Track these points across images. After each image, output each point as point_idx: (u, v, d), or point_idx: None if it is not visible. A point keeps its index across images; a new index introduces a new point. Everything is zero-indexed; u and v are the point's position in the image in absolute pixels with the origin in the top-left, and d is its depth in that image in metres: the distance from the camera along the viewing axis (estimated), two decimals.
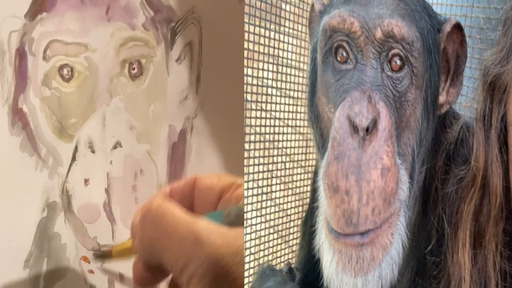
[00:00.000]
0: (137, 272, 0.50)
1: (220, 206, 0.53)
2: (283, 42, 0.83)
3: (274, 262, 0.84)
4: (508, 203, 0.53)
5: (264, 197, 0.83)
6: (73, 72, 0.57)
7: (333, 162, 0.53)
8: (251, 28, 0.76)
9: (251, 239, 0.81)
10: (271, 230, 0.84)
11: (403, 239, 0.55)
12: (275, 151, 0.84)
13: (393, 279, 0.55)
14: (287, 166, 0.86)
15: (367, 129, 0.53)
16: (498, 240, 0.54)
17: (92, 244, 0.59)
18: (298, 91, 0.85)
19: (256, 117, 0.79)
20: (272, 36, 0.80)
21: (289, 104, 0.84)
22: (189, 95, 0.66)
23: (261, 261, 0.82)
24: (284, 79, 0.83)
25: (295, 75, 0.84)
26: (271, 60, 0.80)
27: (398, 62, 0.56)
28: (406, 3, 0.58)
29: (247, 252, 0.79)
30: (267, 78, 0.81)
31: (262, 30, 0.78)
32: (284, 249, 0.86)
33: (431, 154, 0.60)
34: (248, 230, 0.80)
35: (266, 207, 0.84)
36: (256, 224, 0.82)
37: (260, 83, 0.79)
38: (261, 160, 0.82)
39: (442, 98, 0.60)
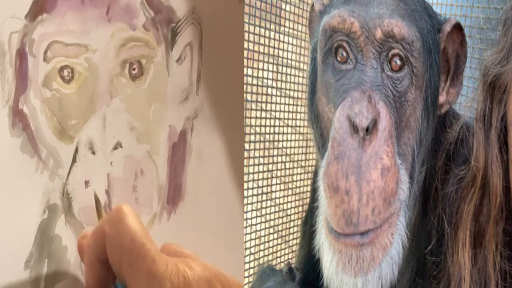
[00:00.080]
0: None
1: None
2: (283, 42, 0.83)
3: (274, 262, 0.84)
4: (508, 203, 0.54)
5: (264, 197, 0.83)
6: (74, 73, 0.57)
7: (333, 162, 0.53)
8: (251, 28, 0.76)
9: (251, 239, 0.81)
10: (271, 230, 0.84)
11: (403, 239, 0.55)
12: (275, 151, 0.84)
13: (393, 279, 0.55)
14: (287, 166, 0.87)
15: (367, 129, 0.53)
16: (498, 240, 0.54)
17: None
18: (298, 91, 0.85)
19: (256, 117, 0.79)
20: (272, 36, 0.80)
21: (289, 104, 0.85)
22: (190, 95, 0.66)
23: (261, 261, 0.82)
24: (284, 79, 0.84)
25: (295, 75, 0.85)
26: (271, 60, 0.80)
27: (398, 62, 0.56)
28: (406, 3, 0.58)
29: (247, 252, 0.79)
30: (267, 78, 0.81)
31: (262, 30, 0.78)
32: (284, 249, 0.86)
33: (431, 154, 0.60)
34: (248, 230, 0.80)
35: (266, 207, 0.84)
36: (256, 224, 0.82)
37: (260, 83, 0.79)
38: (261, 160, 0.82)
39: (442, 98, 0.60)
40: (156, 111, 0.63)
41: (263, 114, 0.81)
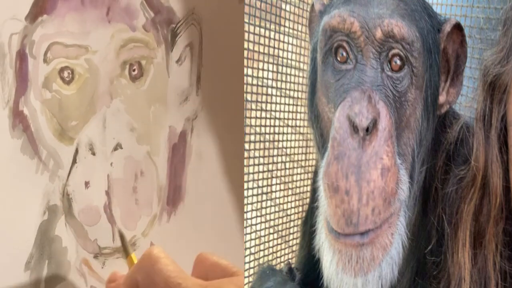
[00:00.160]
0: None
1: None
2: (283, 42, 0.83)
3: (274, 262, 0.84)
4: (508, 203, 0.54)
5: (264, 197, 0.83)
6: (74, 74, 0.57)
7: (333, 162, 0.54)
8: (251, 28, 0.76)
9: (251, 239, 0.81)
10: (271, 230, 0.84)
11: (403, 239, 0.55)
12: (275, 151, 0.84)
13: (393, 279, 0.55)
14: (287, 166, 0.87)
15: (367, 129, 0.53)
16: (498, 240, 0.54)
17: (92, 247, 0.60)
18: (298, 91, 0.85)
19: (256, 117, 0.79)
20: (272, 36, 0.80)
21: (289, 104, 0.85)
22: (190, 96, 0.66)
23: (261, 261, 0.82)
24: (284, 79, 0.83)
25: (295, 75, 0.85)
26: (271, 60, 0.80)
27: (398, 62, 0.56)
28: (406, 3, 0.58)
29: (247, 252, 0.79)
30: (267, 78, 0.81)
31: (262, 30, 0.78)
32: (284, 249, 0.86)
33: (431, 154, 0.60)
34: (248, 230, 0.80)
35: (266, 207, 0.84)
36: (256, 224, 0.82)
37: (260, 83, 0.79)
38: (261, 160, 0.82)
39: (442, 98, 0.60)
40: (156, 112, 0.63)
41: (263, 114, 0.81)
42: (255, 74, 0.79)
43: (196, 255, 0.52)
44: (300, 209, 0.87)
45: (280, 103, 0.84)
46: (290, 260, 0.83)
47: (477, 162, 0.54)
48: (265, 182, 0.83)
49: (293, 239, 0.86)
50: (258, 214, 0.82)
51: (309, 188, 0.81)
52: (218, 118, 0.68)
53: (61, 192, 0.57)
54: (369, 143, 0.53)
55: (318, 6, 0.62)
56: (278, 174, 0.85)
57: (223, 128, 0.68)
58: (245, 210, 0.75)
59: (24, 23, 0.54)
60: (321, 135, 0.60)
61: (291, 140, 0.87)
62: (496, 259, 0.54)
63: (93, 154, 0.59)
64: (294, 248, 0.85)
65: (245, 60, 0.75)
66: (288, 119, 0.85)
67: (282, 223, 0.86)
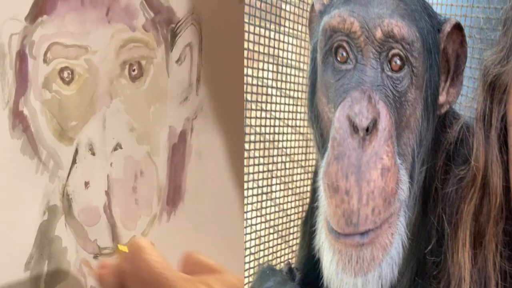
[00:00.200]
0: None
1: None
2: (283, 42, 0.83)
3: (274, 262, 0.84)
4: (508, 203, 0.54)
5: (264, 197, 0.83)
6: (74, 74, 0.57)
7: (333, 162, 0.54)
8: (251, 28, 0.76)
9: (251, 239, 0.81)
10: (271, 230, 0.84)
11: (403, 239, 0.55)
12: (275, 151, 0.84)
13: (393, 279, 0.55)
14: (287, 166, 0.87)
15: (367, 129, 0.53)
16: (498, 240, 0.54)
17: (92, 247, 0.60)
18: (298, 91, 0.85)
19: (256, 117, 0.79)
20: (272, 36, 0.80)
21: (289, 104, 0.85)
22: (189, 96, 0.66)
23: (261, 261, 0.82)
24: (284, 79, 0.84)
25: (295, 75, 0.85)
26: (271, 60, 0.80)
27: (398, 62, 0.56)
28: (406, 3, 0.58)
29: (247, 252, 0.79)
30: (267, 78, 0.81)
31: (262, 30, 0.78)
32: (284, 249, 0.86)
33: (431, 154, 0.60)
34: (248, 230, 0.80)
35: (266, 207, 0.84)
36: (256, 224, 0.82)
37: (260, 83, 0.79)
38: (261, 160, 0.82)
39: (442, 98, 0.60)
40: (156, 112, 0.63)
41: (263, 114, 0.81)
42: (255, 74, 0.79)
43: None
44: (300, 209, 0.87)
45: (280, 103, 0.84)
46: (290, 260, 0.83)
47: (477, 162, 0.54)
48: (265, 182, 0.83)
49: (293, 239, 0.86)
50: (258, 214, 0.82)
51: (309, 188, 0.81)
52: (218, 118, 0.67)
53: (61, 192, 0.57)
54: (369, 143, 0.53)
55: (318, 6, 0.62)
56: (278, 174, 0.85)
57: (223, 128, 0.68)
58: (245, 210, 0.75)
59: (24, 24, 0.54)
60: (321, 135, 0.60)
61: (291, 140, 0.87)
62: (496, 259, 0.54)
63: (93, 154, 0.59)
64: (294, 248, 0.85)
65: (245, 60, 0.75)
66: (288, 119, 0.85)
67: (282, 223, 0.86)
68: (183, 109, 0.65)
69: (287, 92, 0.84)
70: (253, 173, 0.81)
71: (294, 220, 0.87)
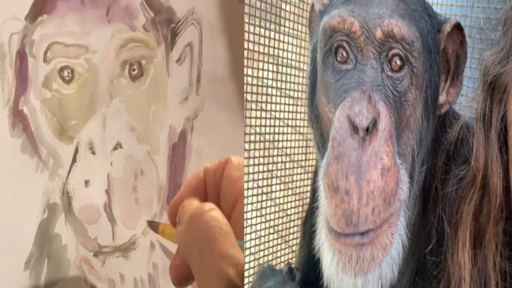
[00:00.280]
0: (176, 268, 0.50)
1: (234, 217, 0.53)
2: (283, 42, 0.82)
3: (274, 262, 0.84)
4: (508, 203, 0.53)
5: (264, 197, 0.83)
6: (74, 73, 0.58)
7: (333, 162, 0.53)
8: (251, 28, 0.76)
9: (251, 239, 0.81)
10: (271, 230, 0.84)
11: (403, 239, 0.55)
12: (275, 151, 0.84)
13: (393, 279, 0.55)
14: (287, 166, 0.86)
15: (367, 129, 0.53)
16: (498, 240, 0.54)
17: (92, 245, 0.60)
18: (298, 91, 0.85)
19: (256, 117, 0.79)
20: (272, 36, 0.79)
21: (289, 104, 0.84)
22: (190, 95, 0.66)
23: (261, 261, 0.82)
24: (284, 79, 0.83)
25: (295, 75, 0.84)
26: (271, 60, 0.80)
27: (398, 62, 0.56)
28: (406, 3, 0.57)
29: (247, 252, 0.79)
30: (267, 78, 0.81)
31: (262, 30, 0.78)
32: (284, 249, 0.86)
33: (431, 154, 0.60)
34: (248, 230, 0.80)
35: (266, 207, 0.84)
36: (256, 224, 0.82)
37: (260, 83, 0.79)
38: (261, 160, 0.82)
39: (442, 98, 0.60)
40: (156, 112, 0.63)
41: (263, 114, 0.81)
42: (255, 74, 0.79)
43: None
44: (300, 209, 0.87)
45: (280, 103, 0.84)
46: (290, 260, 0.83)
47: (477, 162, 0.54)
48: (265, 182, 0.83)
49: (293, 239, 0.86)
50: (258, 214, 0.82)
51: (309, 188, 0.81)
52: (218, 118, 0.68)
53: (61, 190, 0.57)
54: (369, 143, 0.53)
55: (318, 6, 0.62)
56: (278, 174, 0.85)
57: (223, 128, 0.68)
58: (245, 210, 0.75)
59: (24, 23, 0.54)
60: (321, 135, 0.60)
61: (291, 140, 0.86)
62: (496, 259, 0.54)
63: (93, 153, 0.59)
64: (294, 248, 0.85)
65: (245, 60, 0.74)
66: (288, 119, 0.85)
67: (282, 223, 0.86)
68: (183, 109, 0.65)
69: (287, 92, 0.84)
70: (253, 173, 0.81)
71: (294, 220, 0.87)
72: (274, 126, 0.83)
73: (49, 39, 0.56)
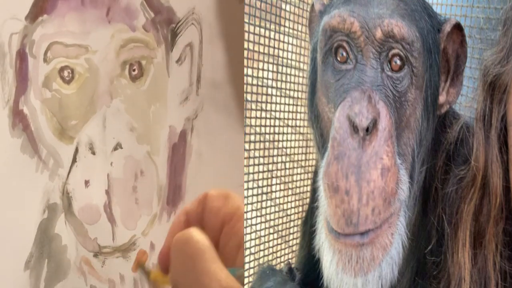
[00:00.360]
0: None
1: (222, 239, 0.54)
2: (283, 42, 0.82)
3: (274, 262, 0.84)
4: (508, 203, 0.53)
5: (264, 197, 0.83)
6: (74, 73, 0.58)
7: (333, 162, 0.53)
8: (251, 28, 0.76)
9: (251, 239, 0.81)
10: (271, 230, 0.84)
11: (403, 239, 0.55)
12: (275, 151, 0.84)
13: (393, 279, 0.55)
14: (287, 166, 0.86)
15: (367, 129, 0.53)
16: (498, 240, 0.54)
17: (92, 245, 0.60)
18: (298, 91, 0.85)
19: (256, 117, 0.79)
20: (272, 36, 0.79)
21: (289, 104, 0.84)
22: (190, 96, 0.66)
23: (261, 261, 0.82)
24: (284, 79, 0.83)
25: (295, 75, 0.84)
26: (271, 60, 0.80)
27: (398, 62, 0.56)
28: (406, 3, 0.58)
29: (247, 252, 0.79)
30: (267, 78, 0.81)
31: (262, 30, 0.78)
32: (284, 249, 0.86)
33: (431, 154, 0.60)
34: (248, 230, 0.80)
35: (266, 207, 0.84)
36: (256, 224, 0.82)
37: (260, 83, 0.79)
38: (261, 160, 0.82)
39: (442, 98, 0.60)
40: (156, 112, 0.63)
41: (263, 114, 0.81)
42: (255, 74, 0.79)
43: None
44: (300, 209, 0.87)
45: (280, 103, 0.84)
46: (290, 260, 0.83)
47: (477, 162, 0.54)
48: (265, 182, 0.83)
49: (293, 239, 0.86)
50: (258, 214, 0.82)
51: (309, 188, 0.81)
52: (218, 118, 0.68)
53: (61, 190, 0.57)
54: (369, 143, 0.53)
55: (318, 6, 0.62)
56: (278, 174, 0.85)
57: (223, 127, 0.68)
58: (245, 210, 0.75)
59: (24, 23, 0.54)
60: (321, 135, 0.60)
61: (291, 140, 0.86)
62: (496, 259, 0.54)
63: (93, 153, 0.59)
64: (294, 248, 0.85)
65: (245, 60, 0.74)
66: (288, 119, 0.85)
67: (282, 223, 0.86)
68: (183, 109, 0.65)
69: (287, 92, 0.84)
70: (253, 173, 0.81)
71: (294, 220, 0.87)
72: (274, 126, 0.83)
73: (49, 39, 0.56)
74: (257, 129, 0.80)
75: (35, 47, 0.55)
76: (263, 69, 0.80)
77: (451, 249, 0.55)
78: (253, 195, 0.81)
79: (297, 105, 0.85)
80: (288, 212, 0.87)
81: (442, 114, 0.61)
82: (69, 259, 0.58)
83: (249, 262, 0.79)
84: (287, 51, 0.83)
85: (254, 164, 0.81)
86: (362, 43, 0.56)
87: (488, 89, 0.54)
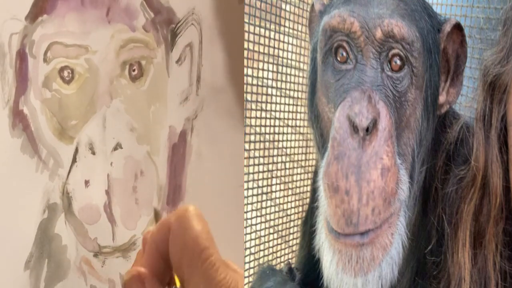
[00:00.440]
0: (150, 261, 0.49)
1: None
2: (283, 42, 0.83)
3: (274, 262, 0.84)
4: (508, 203, 0.54)
5: (264, 197, 0.83)
6: (74, 74, 0.58)
7: (333, 162, 0.53)
8: (251, 28, 0.76)
9: (251, 239, 0.81)
10: (271, 230, 0.84)
11: (403, 239, 0.55)
12: (275, 151, 0.84)
13: (393, 279, 0.55)
14: (287, 166, 0.87)
15: (367, 129, 0.53)
16: (498, 240, 0.54)
17: (92, 245, 0.60)
18: (298, 91, 0.85)
19: (256, 117, 0.79)
20: (272, 36, 0.80)
21: (289, 104, 0.85)
22: (189, 96, 0.66)
23: (261, 261, 0.82)
24: (284, 79, 0.84)
25: (295, 75, 0.85)
26: (271, 60, 0.80)
27: (398, 62, 0.56)
28: (406, 3, 0.58)
29: (247, 252, 0.79)
30: (267, 78, 0.81)
31: (262, 30, 0.78)
32: (284, 249, 0.86)
33: (431, 154, 0.60)
34: (248, 230, 0.80)
35: (266, 207, 0.84)
36: (256, 224, 0.82)
37: (260, 83, 0.79)
38: (261, 160, 0.82)
39: (442, 98, 0.60)
40: (156, 112, 0.63)
41: (263, 114, 0.81)
42: (255, 74, 0.79)
43: None
44: (300, 209, 0.87)
45: (280, 103, 0.84)
46: (290, 260, 0.83)
47: (477, 162, 0.54)
48: (265, 182, 0.83)
49: (293, 239, 0.86)
50: (258, 214, 0.82)
51: (309, 188, 0.81)
52: (218, 118, 0.68)
53: (61, 190, 0.57)
54: (369, 143, 0.53)
55: (318, 6, 0.62)
56: (278, 174, 0.85)
57: (223, 127, 0.68)
58: (245, 210, 0.75)
59: (24, 23, 0.54)
60: (321, 135, 0.60)
61: (291, 140, 0.87)
62: (496, 259, 0.54)
63: (93, 153, 0.59)
64: (294, 248, 0.85)
65: (245, 60, 0.75)
66: (288, 119, 0.85)
67: (282, 223, 0.86)
68: (183, 109, 0.65)
69: (287, 92, 0.84)
70: (253, 173, 0.81)
71: (294, 220, 0.87)
72: (274, 126, 0.83)
73: (49, 39, 0.56)
74: (257, 129, 0.80)
75: (35, 47, 0.55)
76: (263, 69, 0.80)
77: (451, 249, 0.55)
78: (253, 195, 0.81)
79: (297, 105, 0.85)
80: (288, 212, 0.87)
81: (442, 114, 0.61)
82: (69, 259, 0.58)
83: (249, 262, 0.79)
84: (287, 51, 0.83)
85: (254, 164, 0.81)
86: (362, 43, 0.56)
87: (488, 89, 0.54)
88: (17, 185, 0.54)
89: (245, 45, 0.74)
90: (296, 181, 0.88)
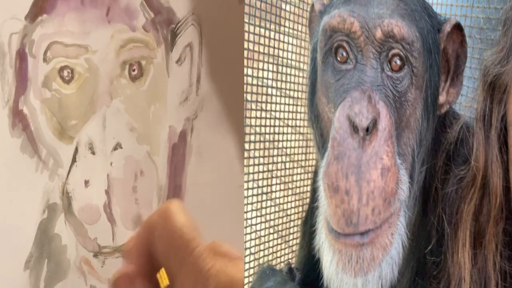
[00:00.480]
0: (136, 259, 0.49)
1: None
2: (283, 42, 0.83)
3: (274, 262, 0.84)
4: (508, 203, 0.53)
5: (264, 197, 0.83)
6: (74, 73, 0.58)
7: (333, 162, 0.53)
8: (251, 28, 0.76)
9: (251, 239, 0.81)
10: (271, 230, 0.84)
11: (403, 239, 0.55)
12: (275, 151, 0.84)
13: (393, 279, 0.55)
14: (287, 166, 0.86)
15: (367, 129, 0.53)
16: (498, 240, 0.54)
17: (92, 245, 0.60)
18: (298, 91, 0.85)
19: (256, 117, 0.79)
20: (272, 36, 0.80)
21: (289, 104, 0.84)
22: (189, 96, 0.66)
23: (261, 261, 0.82)
24: (284, 79, 0.83)
25: (295, 75, 0.84)
26: (271, 60, 0.80)
27: (398, 62, 0.56)
28: (406, 3, 0.58)
29: (247, 252, 0.79)
30: (267, 78, 0.81)
31: (262, 30, 0.78)
32: (284, 249, 0.86)
33: (431, 154, 0.60)
34: (248, 230, 0.80)
35: (266, 207, 0.84)
36: (256, 224, 0.82)
37: (260, 83, 0.79)
38: (261, 160, 0.82)
39: (442, 98, 0.60)
40: (156, 112, 0.63)
41: (263, 114, 0.81)
42: (255, 74, 0.79)
43: None
44: (300, 209, 0.87)
45: (280, 103, 0.84)
46: (290, 260, 0.83)
47: (477, 162, 0.54)
48: (265, 182, 0.83)
49: (293, 239, 0.86)
50: (258, 214, 0.82)
51: (309, 188, 0.81)
52: (218, 118, 0.68)
53: (61, 190, 0.57)
54: (369, 143, 0.53)
55: (318, 6, 0.62)
56: (278, 174, 0.85)
57: (223, 128, 0.68)
58: (245, 210, 0.75)
59: (24, 23, 0.54)
60: (321, 135, 0.60)
61: (291, 140, 0.87)
62: (496, 259, 0.54)
63: (93, 153, 0.59)
64: (294, 248, 0.85)
65: (245, 60, 0.75)
66: (288, 119, 0.85)
67: (282, 223, 0.86)
68: (183, 109, 0.65)
69: (287, 92, 0.84)
70: (253, 173, 0.81)
71: (294, 220, 0.87)
72: (274, 126, 0.83)
73: (49, 39, 0.56)
74: (257, 129, 0.80)
75: (34, 47, 0.55)
76: (263, 69, 0.80)
77: (451, 249, 0.55)
78: (253, 195, 0.81)
79: (297, 105, 0.85)
80: (288, 212, 0.87)
81: (442, 114, 0.61)
82: (69, 259, 0.58)
83: (249, 262, 0.79)
84: (287, 51, 0.83)
85: (254, 164, 0.81)
86: (362, 43, 0.56)
87: (488, 89, 0.54)
88: (17, 185, 0.54)
89: (245, 45, 0.74)
90: (296, 181, 0.88)
